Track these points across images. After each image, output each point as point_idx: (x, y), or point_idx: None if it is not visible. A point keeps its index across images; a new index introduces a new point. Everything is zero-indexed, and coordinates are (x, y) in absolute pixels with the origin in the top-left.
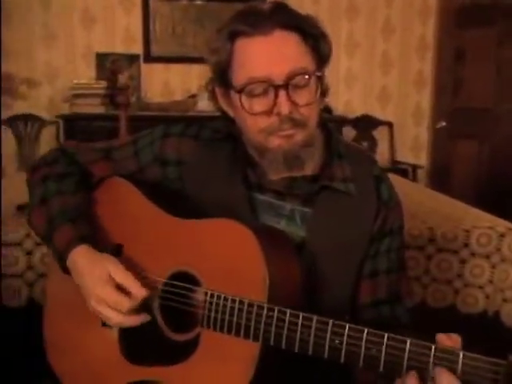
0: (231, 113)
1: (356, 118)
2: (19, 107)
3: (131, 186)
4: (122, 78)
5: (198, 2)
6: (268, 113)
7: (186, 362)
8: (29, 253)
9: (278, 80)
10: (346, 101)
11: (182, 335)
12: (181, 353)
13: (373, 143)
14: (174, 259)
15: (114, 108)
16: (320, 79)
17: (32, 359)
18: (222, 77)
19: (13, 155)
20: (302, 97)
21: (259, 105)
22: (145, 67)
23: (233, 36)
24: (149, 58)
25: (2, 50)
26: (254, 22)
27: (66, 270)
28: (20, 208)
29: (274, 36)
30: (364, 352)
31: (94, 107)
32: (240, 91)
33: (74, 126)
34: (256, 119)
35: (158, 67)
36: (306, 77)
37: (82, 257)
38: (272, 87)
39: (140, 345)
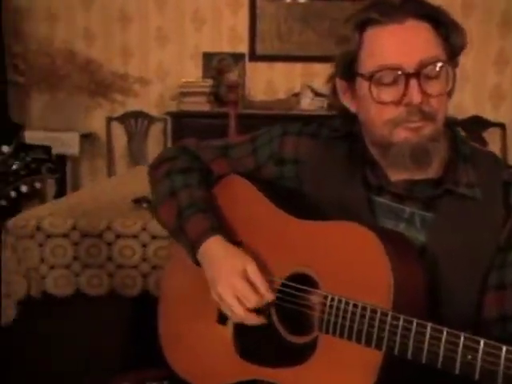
0: (353, 107)
1: (466, 119)
2: (131, 105)
3: (249, 184)
4: (233, 76)
5: (303, 1)
6: (396, 103)
7: (301, 366)
8: (144, 245)
9: (410, 68)
10: (457, 101)
11: (299, 337)
12: (297, 355)
13: (483, 145)
14: (293, 260)
15: (218, 106)
16: (451, 71)
17: (143, 346)
18: (347, 68)
19: (124, 151)
20: (433, 87)
21: (388, 94)
22: (250, 66)
23: (363, 25)
24: (254, 56)
25: (122, 51)
26: (387, 10)
27: (195, 261)
28: (136, 201)
29: (407, 25)
30: (503, 371)
31: (200, 105)
32: (369, 79)
33: (181, 122)
34: (382, 109)
35: (263, 66)
36: (438, 67)
37: (217, 246)
38: (403, 76)
39: (254, 343)
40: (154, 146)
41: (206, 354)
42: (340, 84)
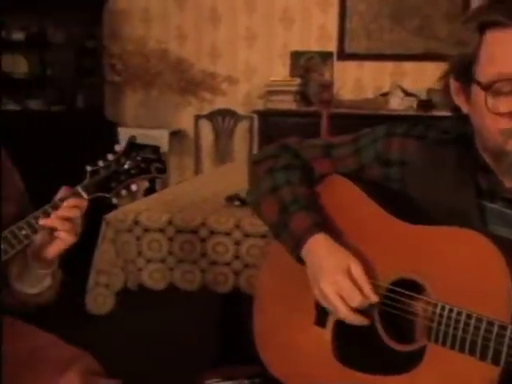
0: (465, 109)
1: None
2: (219, 103)
3: (352, 185)
4: (326, 75)
5: None
6: None
7: (407, 375)
8: (237, 243)
9: None
10: None
11: (404, 345)
12: (401, 364)
13: None
14: (399, 264)
15: (305, 105)
16: None
17: (232, 343)
18: (463, 70)
19: (210, 148)
20: None
21: (506, 104)
22: (338, 64)
23: (484, 27)
24: (342, 55)
25: (212, 50)
26: None
27: (298, 258)
28: (229, 199)
29: None
30: None
31: (287, 103)
32: (486, 88)
33: (268, 121)
34: (497, 119)
35: (351, 64)
36: None
37: (321, 244)
38: None
39: (354, 348)
40: (240, 143)
41: (302, 354)
42: (454, 85)
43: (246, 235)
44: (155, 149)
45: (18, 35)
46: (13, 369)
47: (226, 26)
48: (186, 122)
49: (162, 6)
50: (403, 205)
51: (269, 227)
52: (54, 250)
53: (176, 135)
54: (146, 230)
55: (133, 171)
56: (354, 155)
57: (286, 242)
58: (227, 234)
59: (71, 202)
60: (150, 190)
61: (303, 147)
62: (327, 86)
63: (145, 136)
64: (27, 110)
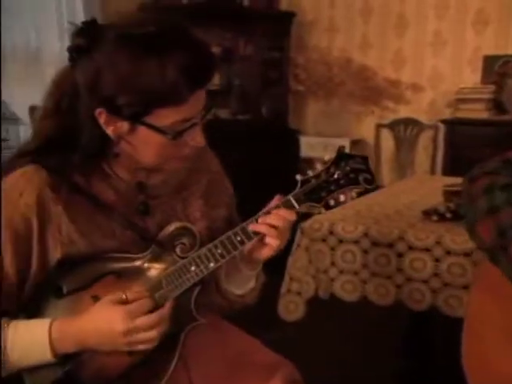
0: None
1: None
2: (401, 112)
3: None
4: None
5: None
6: None
7: None
8: (437, 260)
9: None
10: None
11: None
12: None
13: None
14: None
15: (497, 113)
16: None
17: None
18: None
19: (390, 158)
20: None
21: None
22: None
23: None
24: None
25: (396, 58)
26: None
27: None
28: (426, 213)
29: None
30: None
31: (477, 112)
32: None
33: (455, 131)
34: None
35: None
36: None
37: None
38: None
39: None
40: (423, 154)
41: None
42: None
43: (448, 252)
44: (364, 159)
45: (215, 50)
46: (223, 370)
47: (413, 31)
48: (366, 130)
49: (347, 15)
50: None
51: (483, 249)
52: (263, 254)
53: (357, 144)
54: (341, 241)
55: (342, 181)
56: None
57: (504, 267)
58: (427, 250)
59: (282, 212)
60: None
61: None
62: None
63: (325, 145)
64: (217, 118)
